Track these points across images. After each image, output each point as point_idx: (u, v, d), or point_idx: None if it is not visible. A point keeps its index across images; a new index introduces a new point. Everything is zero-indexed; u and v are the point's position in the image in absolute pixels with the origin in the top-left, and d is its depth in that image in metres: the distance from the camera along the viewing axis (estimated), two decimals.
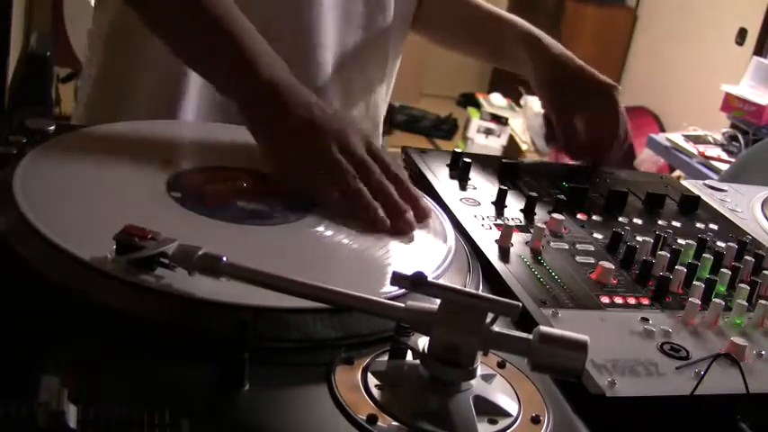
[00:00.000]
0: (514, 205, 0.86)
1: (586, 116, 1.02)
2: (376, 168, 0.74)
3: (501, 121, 4.23)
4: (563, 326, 0.62)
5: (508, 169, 0.95)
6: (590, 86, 1.02)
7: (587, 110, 1.02)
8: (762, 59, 2.95)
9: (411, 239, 0.71)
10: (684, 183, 1.07)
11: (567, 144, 1.02)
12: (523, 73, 1.06)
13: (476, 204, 0.85)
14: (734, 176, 1.58)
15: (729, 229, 0.91)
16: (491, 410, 0.51)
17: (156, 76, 0.97)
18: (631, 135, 1.04)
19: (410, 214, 0.72)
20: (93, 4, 1.06)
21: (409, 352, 0.53)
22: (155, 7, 0.83)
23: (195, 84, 0.96)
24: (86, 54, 1.06)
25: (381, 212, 0.71)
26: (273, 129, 0.76)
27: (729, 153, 2.74)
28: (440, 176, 0.91)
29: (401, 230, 0.71)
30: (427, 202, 0.77)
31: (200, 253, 0.54)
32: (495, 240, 0.76)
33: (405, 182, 0.76)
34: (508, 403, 0.52)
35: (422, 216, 0.74)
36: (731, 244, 0.83)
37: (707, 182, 1.09)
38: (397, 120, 4.37)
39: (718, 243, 0.85)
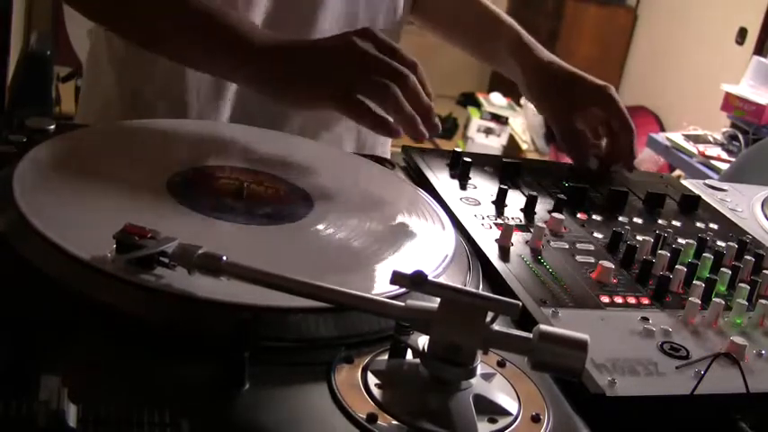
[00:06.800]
0: (515, 204, 0.86)
1: (590, 119, 1.02)
2: (411, 80, 0.78)
3: (501, 120, 4.24)
4: (563, 325, 0.62)
5: (508, 169, 0.95)
6: (586, 90, 1.01)
7: (589, 113, 1.01)
8: (762, 59, 2.96)
9: (411, 239, 0.71)
10: (684, 182, 1.07)
11: (572, 149, 1.01)
12: (513, 79, 1.07)
13: (476, 204, 0.85)
14: (734, 176, 1.58)
15: (729, 228, 0.91)
16: (491, 409, 0.51)
17: (162, 71, 0.96)
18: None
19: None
20: None
21: (409, 351, 0.53)
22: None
23: (197, 81, 0.96)
24: (88, 54, 1.06)
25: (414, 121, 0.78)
26: (306, 59, 0.79)
27: (729, 153, 2.74)
28: (440, 176, 0.91)
29: (420, 138, 0.80)
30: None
31: (200, 252, 0.54)
32: (496, 240, 0.76)
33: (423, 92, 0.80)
34: (508, 402, 0.52)
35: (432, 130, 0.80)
36: (731, 243, 0.83)
37: (707, 181, 1.09)
38: None
39: (719, 242, 0.85)
